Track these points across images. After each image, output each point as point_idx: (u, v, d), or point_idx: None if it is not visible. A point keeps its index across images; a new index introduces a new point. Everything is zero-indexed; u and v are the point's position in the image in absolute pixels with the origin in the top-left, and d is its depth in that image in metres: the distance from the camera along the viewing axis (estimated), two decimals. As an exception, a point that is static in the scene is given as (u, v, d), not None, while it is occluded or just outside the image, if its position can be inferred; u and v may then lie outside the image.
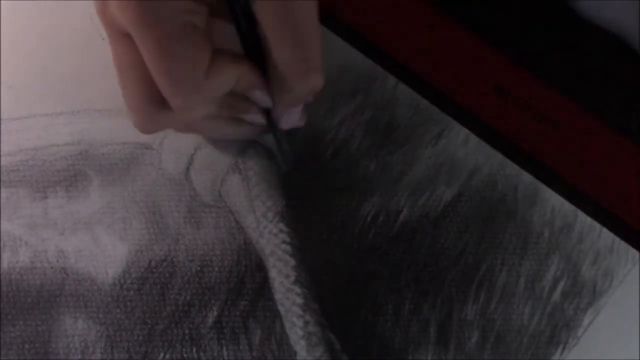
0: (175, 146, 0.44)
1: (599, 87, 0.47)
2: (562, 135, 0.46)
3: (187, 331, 0.42)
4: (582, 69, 0.47)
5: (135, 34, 0.35)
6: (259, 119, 0.41)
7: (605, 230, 0.45)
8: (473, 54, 0.47)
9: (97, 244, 0.43)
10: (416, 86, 0.46)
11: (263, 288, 0.43)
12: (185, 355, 0.42)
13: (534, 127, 0.46)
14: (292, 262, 0.43)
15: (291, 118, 0.41)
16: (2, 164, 0.44)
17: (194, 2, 0.35)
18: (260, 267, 0.43)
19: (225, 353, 0.42)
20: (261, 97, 0.39)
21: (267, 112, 0.41)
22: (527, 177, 0.45)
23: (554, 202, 0.45)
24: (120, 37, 0.37)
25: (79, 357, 0.42)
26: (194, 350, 0.42)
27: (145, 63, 0.36)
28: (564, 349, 0.43)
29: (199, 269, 0.43)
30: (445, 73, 0.47)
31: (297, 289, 0.42)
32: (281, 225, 0.43)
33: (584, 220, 0.45)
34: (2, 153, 0.44)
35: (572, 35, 0.48)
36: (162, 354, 0.42)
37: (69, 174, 0.44)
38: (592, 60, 0.48)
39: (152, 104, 0.37)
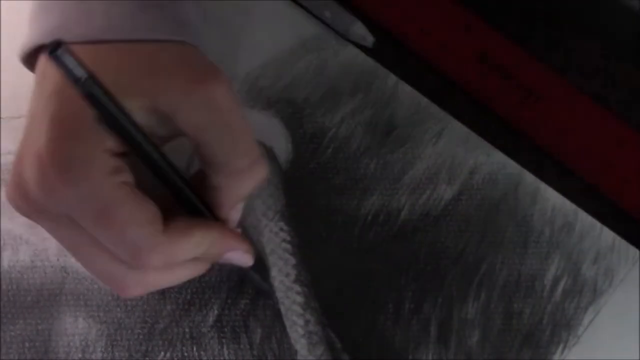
0: (175, 145, 0.44)
1: (582, 59, 0.47)
2: (544, 106, 0.46)
3: (187, 330, 0.42)
4: (563, 38, 0.48)
5: (74, 214, 0.32)
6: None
7: (606, 229, 0.45)
8: (457, 21, 0.47)
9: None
10: (401, 55, 0.47)
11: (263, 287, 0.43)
12: (185, 354, 0.42)
13: (516, 95, 0.46)
14: (293, 260, 0.43)
15: (237, 215, 0.38)
16: (2, 162, 0.44)
17: (116, 158, 0.32)
18: (260, 266, 0.43)
19: (225, 352, 0.42)
20: (242, 258, 0.38)
21: None
22: (528, 176, 0.45)
23: (555, 201, 0.45)
24: (55, 222, 0.34)
25: (80, 355, 0.42)
26: (195, 349, 0.42)
27: (96, 237, 0.33)
28: (564, 347, 0.43)
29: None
30: (429, 41, 0.47)
31: (298, 288, 0.42)
32: (281, 224, 0.43)
33: (584, 219, 0.45)
34: (2, 151, 0.44)
35: (554, 5, 0.48)
36: (162, 353, 0.42)
37: (69, 172, 0.44)
38: (574, 30, 0.48)
39: (128, 271, 0.34)
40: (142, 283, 0.35)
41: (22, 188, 0.33)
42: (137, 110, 0.33)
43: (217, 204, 0.36)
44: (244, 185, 0.35)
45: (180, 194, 0.35)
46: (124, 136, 0.32)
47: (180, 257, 0.34)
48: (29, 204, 0.33)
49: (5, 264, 0.42)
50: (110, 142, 0.32)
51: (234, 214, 0.37)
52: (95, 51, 0.34)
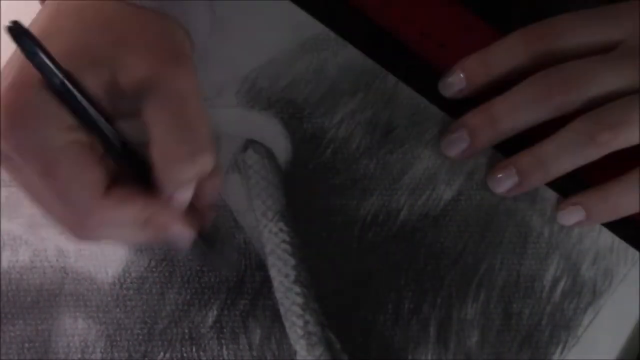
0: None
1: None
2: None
3: (186, 330, 0.42)
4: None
5: (19, 160, 0.33)
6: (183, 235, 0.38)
7: (605, 230, 0.45)
8: (457, 21, 0.47)
9: (97, 243, 0.43)
10: (400, 55, 0.47)
11: (263, 287, 0.43)
12: (185, 355, 0.42)
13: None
14: (292, 261, 0.43)
15: (184, 196, 0.36)
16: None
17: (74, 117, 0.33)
18: (260, 267, 0.43)
19: (225, 352, 0.42)
20: (178, 238, 0.37)
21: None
22: (527, 177, 0.45)
23: (554, 201, 0.45)
24: (8, 162, 0.34)
25: (79, 356, 0.42)
26: (194, 349, 0.42)
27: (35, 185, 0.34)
28: (563, 348, 0.43)
29: (198, 268, 0.43)
30: (429, 41, 0.47)
31: (297, 288, 0.42)
32: (281, 225, 0.43)
33: (583, 219, 0.45)
34: (1, 152, 0.44)
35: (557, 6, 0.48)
36: (161, 354, 0.42)
37: (69, 173, 0.44)
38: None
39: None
40: (91, 234, 0.36)
41: None
42: (94, 78, 0.33)
43: (158, 182, 0.35)
44: (181, 171, 0.35)
45: (126, 164, 0.35)
46: (67, 101, 0.33)
47: (117, 223, 0.35)
48: None
49: (4, 264, 0.42)
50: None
51: (180, 196, 0.36)
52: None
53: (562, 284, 0.44)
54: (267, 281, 0.43)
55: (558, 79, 0.41)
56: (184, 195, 0.36)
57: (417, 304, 0.43)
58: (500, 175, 0.44)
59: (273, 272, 0.43)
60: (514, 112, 0.42)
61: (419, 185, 0.45)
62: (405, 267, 0.44)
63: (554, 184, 0.45)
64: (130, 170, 0.36)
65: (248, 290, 0.43)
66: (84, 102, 0.33)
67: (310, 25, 0.47)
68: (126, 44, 0.35)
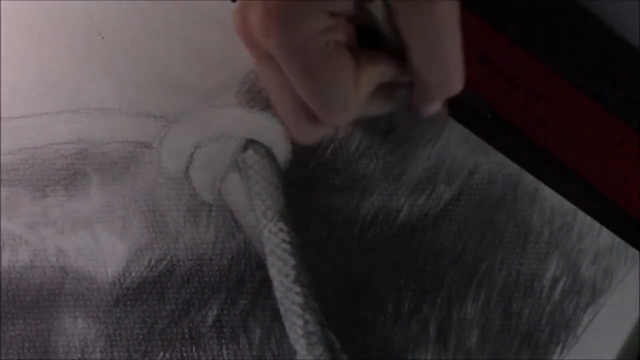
0: (175, 145, 0.44)
1: (582, 60, 0.47)
2: (545, 107, 0.46)
3: (186, 330, 0.42)
4: (565, 40, 0.47)
5: (280, 60, 0.35)
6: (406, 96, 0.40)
7: (604, 229, 0.45)
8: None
9: (97, 242, 0.43)
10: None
11: (263, 287, 0.43)
12: (184, 355, 0.42)
13: (516, 96, 0.46)
14: (292, 261, 0.43)
15: (433, 109, 0.40)
16: (2, 162, 0.44)
17: (332, 18, 0.34)
18: (260, 266, 0.43)
19: (225, 352, 0.42)
20: (404, 95, 0.39)
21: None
22: (527, 177, 0.45)
23: (554, 201, 0.45)
24: (265, 60, 0.37)
25: (79, 356, 0.42)
26: (194, 349, 0.42)
27: (294, 86, 0.36)
28: (563, 348, 0.43)
29: (198, 267, 0.43)
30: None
31: (297, 288, 0.42)
32: (281, 224, 0.43)
33: (583, 219, 0.45)
34: (2, 152, 0.44)
35: (555, 8, 0.48)
36: (161, 353, 0.42)
37: (69, 172, 0.44)
38: (575, 32, 0.48)
39: (308, 122, 0.38)
40: (319, 134, 0.40)
41: (243, 20, 0.37)
42: None
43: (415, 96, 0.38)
44: (438, 96, 0.38)
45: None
46: None
47: (362, 101, 0.37)
48: (250, 42, 0.37)
49: (4, 264, 0.42)
50: (329, 3, 0.34)
51: (426, 110, 0.39)
52: None
53: (561, 283, 0.44)
54: (267, 281, 0.43)
55: None
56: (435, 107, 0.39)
57: (417, 303, 0.43)
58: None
59: (273, 272, 0.43)
60: None
61: (419, 185, 0.45)
62: (405, 267, 0.44)
63: (554, 185, 0.45)
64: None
65: (248, 290, 0.43)
66: None
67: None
68: None
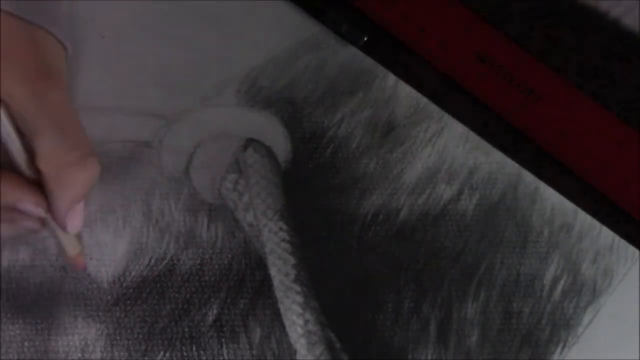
0: (174, 144, 0.44)
1: (581, 60, 0.47)
2: (545, 107, 0.46)
3: (186, 329, 0.42)
4: (565, 41, 0.48)
5: None
6: (33, 225, 0.39)
7: (605, 229, 0.45)
8: (457, 21, 0.47)
9: (97, 242, 0.43)
10: (400, 55, 0.47)
11: (263, 286, 0.43)
12: (185, 354, 0.42)
13: (516, 95, 0.46)
14: (292, 260, 0.43)
15: (77, 218, 0.39)
16: (2, 162, 0.44)
17: None
18: (260, 266, 0.43)
19: (225, 351, 0.42)
20: (32, 207, 0.38)
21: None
22: (527, 176, 0.45)
23: (554, 200, 0.45)
24: None
25: (79, 355, 0.42)
26: (194, 348, 0.42)
27: None
28: (564, 347, 0.43)
29: (198, 267, 0.43)
30: (429, 40, 0.47)
31: (297, 288, 0.42)
32: (281, 224, 0.43)
33: (583, 218, 0.45)
34: (1, 151, 0.44)
35: (556, 7, 0.48)
36: (161, 353, 0.42)
37: (69, 172, 0.44)
38: (575, 32, 0.48)
39: None
40: None
41: None
42: None
43: (52, 204, 0.37)
44: (75, 181, 0.36)
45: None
46: None
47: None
48: None
49: (4, 263, 0.42)
50: None
51: (72, 219, 0.38)
52: None
53: (562, 283, 0.44)
54: (267, 280, 0.43)
55: None
56: (77, 219, 0.38)
57: (417, 303, 0.43)
58: None
59: (273, 271, 0.42)
60: None
61: (419, 184, 0.45)
62: (405, 266, 0.44)
63: (554, 184, 0.45)
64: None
65: (248, 289, 0.43)
66: None
67: (309, 25, 0.47)
68: (7, 54, 0.35)
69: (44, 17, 0.37)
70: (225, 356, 0.42)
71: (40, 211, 0.38)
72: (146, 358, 0.42)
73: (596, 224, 0.45)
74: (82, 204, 0.39)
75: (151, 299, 0.42)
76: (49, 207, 0.38)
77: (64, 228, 0.38)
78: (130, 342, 0.42)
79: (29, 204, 0.37)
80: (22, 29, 0.36)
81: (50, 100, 0.35)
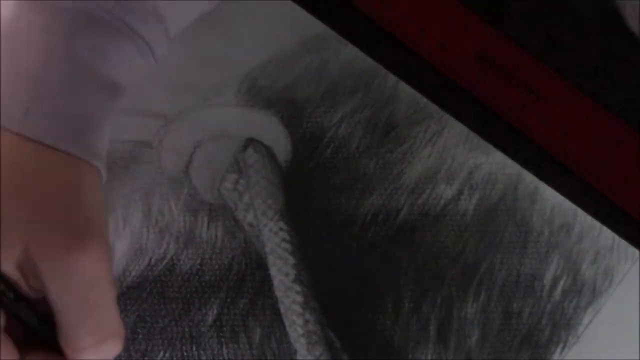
0: (175, 145, 0.44)
1: (581, 60, 0.47)
2: (545, 107, 0.46)
3: (186, 329, 0.42)
4: (565, 40, 0.48)
5: None
6: None
7: (605, 229, 0.45)
8: (457, 21, 0.47)
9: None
10: (400, 55, 0.47)
11: (263, 286, 0.43)
12: (185, 354, 0.42)
13: (516, 95, 0.46)
14: (292, 260, 0.43)
15: None
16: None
17: None
18: (260, 266, 0.43)
19: (225, 351, 0.42)
20: None
21: None
22: (527, 176, 0.45)
23: (554, 200, 0.45)
24: None
25: (79, 355, 0.42)
26: (194, 348, 0.42)
27: None
28: (564, 347, 0.43)
29: (198, 267, 0.43)
30: (429, 40, 0.47)
31: (297, 287, 0.42)
32: (281, 224, 0.43)
33: (583, 219, 0.45)
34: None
35: (557, 6, 0.48)
36: (161, 352, 0.42)
37: (69, 172, 0.44)
38: (575, 32, 0.48)
39: None
40: None
41: None
42: (9, 259, 0.32)
43: None
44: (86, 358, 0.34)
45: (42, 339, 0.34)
46: None
47: None
48: None
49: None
50: None
51: None
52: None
53: (562, 283, 0.44)
54: (267, 280, 0.43)
55: None
56: None
57: (417, 303, 0.43)
58: None
59: (273, 271, 0.42)
60: None
61: (419, 184, 0.45)
62: (405, 266, 0.44)
63: (554, 184, 0.45)
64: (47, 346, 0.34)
65: (248, 289, 0.43)
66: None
67: (310, 25, 0.47)
68: (41, 219, 0.32)
69: (85, 147, 0.34)
70: (225, 356, 0.42)
71: None
72: (146, 358, 0.42)
73: (596, 224, 0.45)
74: None
75: (151, 299, 0.42)
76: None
77: None
78: (130, 342, 0.42)
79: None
80: (62, 166, 0.34)
81: (82, 274, 0.32)
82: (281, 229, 0.43)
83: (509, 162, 0.46)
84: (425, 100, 0.46)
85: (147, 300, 0.42)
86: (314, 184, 0.44)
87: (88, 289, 0.32)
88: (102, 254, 0.33)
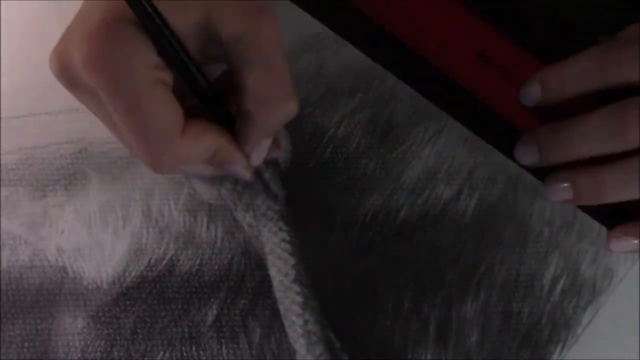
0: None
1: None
2: (544, 107, 0.46)
3: (186, 330, 0.42)
4: (563, 38, 0.48)
5: (105, 96, 0.33)
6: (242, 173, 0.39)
7: (604, 228, 0.45)
8: (457, 21, 0.47)
9: (97, 242, 0.43)
10: (400, 55, 0.47)
11: (262, 286, 0.43)
12: (184, 354, 0.42)
13: (516, 95, 0.46)
14: (292, 260, 0.43)
15: (261, 152, 0.39)
16: (2, 162, 0.44)
17: (160, 57, 0.34)
18: (259, 266, 0.43)
19: (224, 352, 0.42)
20: (241, 171, 0.38)
21: None
22: (526, 176, 0.45)
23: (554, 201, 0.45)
24: (89, 100, 0.35)
25: (79, 355, 0.42)
26: (194, 348, 0.42)
27: (118, 123, 0.34)
28: (563, 347, 0.43)
29: (198, 267, 0.43)
30: (429, 40, 0.47)
31: (297, 288, 0.42)
32: (281, 224, 0.43)
33: (583, 219, 0.45)
34: (2, 152, 0.44)
35: (555, 5, 0.48)
36: (161, 353, 0.42)
37: (69, 172, 0.44)
38: (575, 32, 0.48)
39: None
40: (165, 168, 0.36)
41: (65, 60, 0.34)
42: (186, 18, 0.34)
43: (244, 132, 0.37)
44: (272, 116, 0.36)
45: (207, 103, 0.36)
46: (160, 42, 0.33)
47: (188, 160, 0.36)
48: (69, 75, 0.35)
49: (4, 264, 0.42)
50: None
51: (258, 152, 0.38)
52: None
53: (561, 283, 0.44)
54: (266, 280, 0.43)
55: None
56: (262, 152, 0.38)
57: (417, 303, 0.43)
58: (556, 187, 0.43)
59: (273, 272, 0.42)
60: (586, 141, 0.42)
61: (419, 184, 0.45)
62: (404, 266, 0.44)
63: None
64: (209, 111, 0.37)
65: (248, 290, 0.43)
66: (175, 42, 0.33)
67: (309, 25, 0.47)
68: None
69: None
70: (225, 356, 0.42)
71: (246, 175, 0.39)
72: (146, 358, 0.42)
73: (596, 223, 0.45)
74: (270, 139, 0.39)
75: (151, 299, 0.42)
76: (238, 137, 0.37)
77: (248, 158, 0.38)
78: (130, 342, 0.42)
79: (239, 168, 0.38)
80: None
81: (265, 35, 0.35)
82: (281, 229, 0.43)
83: (508, 162, 0.45)
84: (424, 100, 0.46)
85: (147, 300, 0.42)
86: (313, 184, 0.45)
87: (272, 51, 0.35)
88: (276, 23, 0.35)
